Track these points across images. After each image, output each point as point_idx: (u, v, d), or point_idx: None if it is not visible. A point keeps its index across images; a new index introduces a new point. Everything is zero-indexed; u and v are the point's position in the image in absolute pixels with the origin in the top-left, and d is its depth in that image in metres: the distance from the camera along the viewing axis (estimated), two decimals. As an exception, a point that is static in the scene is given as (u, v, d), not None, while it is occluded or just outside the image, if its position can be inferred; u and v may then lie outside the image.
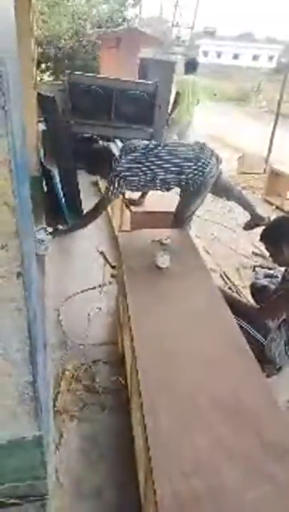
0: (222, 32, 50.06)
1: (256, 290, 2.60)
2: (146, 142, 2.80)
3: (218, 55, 42.44)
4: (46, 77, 8.80)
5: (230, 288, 3.24)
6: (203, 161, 2.73)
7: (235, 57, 42.02)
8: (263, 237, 2.11)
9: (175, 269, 2.24)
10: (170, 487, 1.11)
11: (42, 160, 3.96)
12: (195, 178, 2.76)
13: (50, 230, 2.63)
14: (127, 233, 2.82)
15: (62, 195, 3.77)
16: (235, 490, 1.12)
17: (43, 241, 2.57)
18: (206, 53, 42.61)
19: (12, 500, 1.30)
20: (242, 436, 1.29)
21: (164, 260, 2.27)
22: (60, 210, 3.82)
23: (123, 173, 2.59)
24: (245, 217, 4.56)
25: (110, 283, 3.10)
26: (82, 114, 5.66)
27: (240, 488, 1.13)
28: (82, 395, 2.07)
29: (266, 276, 2.84)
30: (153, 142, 2.82)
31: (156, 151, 2.69)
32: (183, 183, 2.77)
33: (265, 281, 2.57)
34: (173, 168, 2.68)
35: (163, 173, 2.69)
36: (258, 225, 3.13)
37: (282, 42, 37.10)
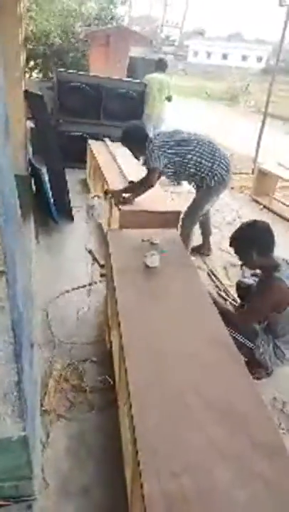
0: (211, 32, 50.31)
1: (242, 289, 2.62)
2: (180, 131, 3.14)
3: (208, 55, 42.60)
4: (35, 74, 8.71)
5: (217, 286, 3.25)
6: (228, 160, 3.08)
7: (225, 57, 42.20)
8: (232, 243, 2.16)
9: (164, 268, 2.24)
10: (158, 486, 1.11)
11: (31, 159, 3.92)
12: (222, 172, 3.04)
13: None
14: (116, 232, 2.81)
15: (50, 194, 3.73)
16: (225, 489, 1.13)
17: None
18: (196, 53, 42.75)
19: (-2, 501, 1.29)
20: (231, 435, 1.30)
21: (153, 260, 2.27)
22: (48, 209, 3.79)
23: (161, 147, 2.95)
24: (232, 216, 4.59)
25: (99, 282, 3.09)
26: (71, 112, 5.60)
27: (229, 487, 1.14)
28: (69, 395, 2.06)
29: (253, 275, 2.86)
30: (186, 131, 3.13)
31: (192, 138, 3.03)
32: (209, 173, 3.03)
33: (251, 280, 2.59)
34: (207, 154, 3.00)
35: (197, 156, 2.98)
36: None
37: (271, 43, 37.36)
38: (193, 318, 1.89)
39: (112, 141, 5.24)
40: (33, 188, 3.93)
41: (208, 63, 36.97)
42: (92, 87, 5.58)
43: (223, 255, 3.76)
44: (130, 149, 3.20)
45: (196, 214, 3.29)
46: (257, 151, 6.94)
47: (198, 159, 3.00)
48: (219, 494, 1.11)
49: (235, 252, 2.19)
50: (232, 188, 6.11)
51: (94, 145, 4.97)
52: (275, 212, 5.23)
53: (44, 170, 3.72)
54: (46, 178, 3.69)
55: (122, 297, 1.98)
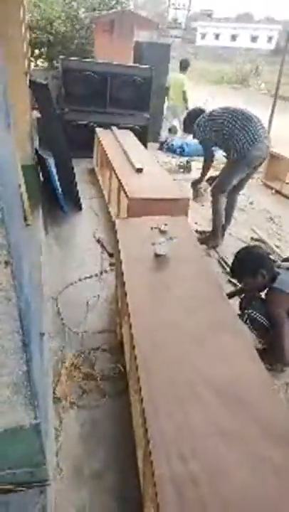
0: (219, 13, 48.99)
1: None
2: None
3: (216, 36, 41.61)
4: (40, 63, 8.64)
5: (227, 273, 3.23)
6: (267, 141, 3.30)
7: (233, 38, 41.18)
8: (236, 274, 2.32)
9: (173, 256, 2.23)
10: (168, 470, 1.13)
11: (37, 148, 3.92)
12: (245, 146, 3.19)
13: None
14: (125, 220, 2.80)
15: (58, 183, 3.73)
16: (233, 472, 1.14)
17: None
18: (203, 35, 41.79)
19: (12, 487, 1.32)
20: (241, 421, 1.30)
21: (162, 248, 2.26)
22: (56, 199, 3.79)
23: (209, 119, 3.31)
24: (243, 201, 4.52)
25: (108, 271, 3.09)
26: (77, 100, 5.56)
27: (237, 470, 1.14)
28: (81, 383, 2.09)
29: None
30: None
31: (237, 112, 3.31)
32: (236, 145, 3.21)
33: None
34: (238, 127, 3.21)
35: (229, 127, 3.23)
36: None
37: (281, 22, 36.28)
38: (202, 306, 1.88)
39: (119, 128, 5.21)
40: (41, 178, 3.93)
41: (216, 45, 36.13)
42: (98, 74, 5.52)
43: (233, 242, 3.72)
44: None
45: (222, 185, 3.44)
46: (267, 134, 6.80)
47: (229, 130, 3.23)
48: (227, 477, 1.12)
49: (240, 281, 2.33)
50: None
51: (101, 133, 4.93)
52: (287, 197, 5.15)
53: (51, 160, 3.71)
54: (53, 168, 3.69)
55: (131, 286, 1.98)
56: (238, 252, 2.32)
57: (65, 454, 1.74)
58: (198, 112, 3.51)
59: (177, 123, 7.28)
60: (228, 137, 3.24)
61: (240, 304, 2.38)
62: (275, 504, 1.07)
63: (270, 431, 1.27)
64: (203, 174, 3.62)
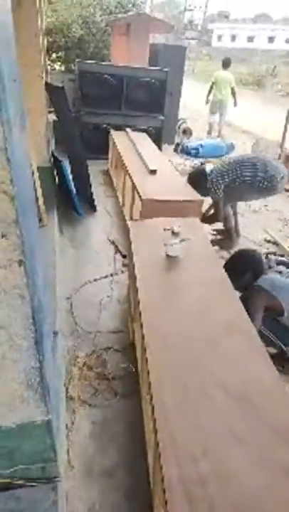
0: (237, 14, 48.71)
1: None
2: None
3: (233, 38, 41.38)
4: (57, 66, 8.75)
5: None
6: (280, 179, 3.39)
7: (250, 39, 40.85)
8: (226, 270, 2.33)
9: (185, 257, 2.23)
10: (178, 470, 1.13)
11: (53, 150, 3.98)
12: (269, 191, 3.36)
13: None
14: (138, 222, 2.81)
15: (73, 185, 3.78)
16: (242, 474, 1.13)
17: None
18: (220, 37, 41.63)
19: (23, 482, 1.35)
20: (251, 423, 1.29)
21: (174, 249, 2.26)
22: (71, 201, 3.84)
23: (219, 178, 3.35)
24: (257, 204, 4.48)
25: (122, 272, 3.11)
26: (93, 103, 5.62)
27: (247, 472, 1.14)
28: (93, 382, 2.11)
29: (279, 263, 2.80)
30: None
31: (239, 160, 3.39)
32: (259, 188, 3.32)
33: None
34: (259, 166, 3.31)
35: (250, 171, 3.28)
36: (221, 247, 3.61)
37: (299, 22, 35.80)
38: (214, 307, 1.88)
39: (134, 130, 5.23)
40: (56, 180, 3.99)
41: (232, 47, 35.90)
42: (114, 77, 5.56)
43: (246, 243, 3.69)
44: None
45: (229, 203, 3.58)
46: (284, 135, 6.73)
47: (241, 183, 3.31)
48: (237, 480, 1.11)
49: (231, 280, 2.32)
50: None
51: (116, 135, 4.97)
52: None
53: (66, 161, 3.76)
54: (68, 169, 3.74)
55: (143, 287, 1.99)
56: (234, 254, 2.43)
57: (77, 451, 1.76)
58: (200, 173, 3.54)
59: (219, 118, 8.14)
60: (242, 186, 3.33)
61: None
62: (285, 507, 1.06)
63: (281, 434, 1.26)
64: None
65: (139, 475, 1.65)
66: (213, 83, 7.89)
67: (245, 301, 2.19)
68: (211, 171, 3.44)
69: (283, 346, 2.14)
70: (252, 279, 2.26)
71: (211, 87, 7.92)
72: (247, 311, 2.13)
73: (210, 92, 7.96)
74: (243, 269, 2.29)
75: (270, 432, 1.26)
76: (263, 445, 1.22)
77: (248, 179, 3.26)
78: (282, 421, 1.31)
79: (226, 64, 7.88)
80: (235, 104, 7.99)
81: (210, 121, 8.30)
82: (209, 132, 8.31)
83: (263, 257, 3.48)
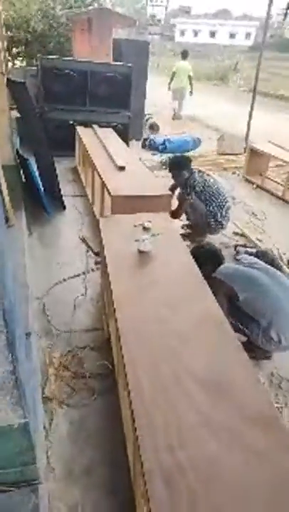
0: (198, 9, 49.15)
1: None
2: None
3: (195, 33, 41.77)
4: (18, 62, 8.52)
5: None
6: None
7: (212, 35, 41.39)
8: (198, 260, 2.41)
9: (157, 252, 2.25)
10: (157, 461, 1.15)
11: (18, 148, 3.88)
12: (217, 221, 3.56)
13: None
14: (108, 218, 2.80)
15: (40, 183, 3.71)
16: (218, 460, 1.16)
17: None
18: (182, 32, 41.92)
19: (2, 487, 1.32)
20: (225, 410, 1.33)
21: (146, 245, 2.27)
22: (39, 199, 3.77)
23: (197, 187, 3.48)
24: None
25: (94, 270, 3.09)
26: (57, 99, 5.51)
27: (223, 458, 1.17)
28: (70, 382, 2.09)
29: (246, 253, 2.88)
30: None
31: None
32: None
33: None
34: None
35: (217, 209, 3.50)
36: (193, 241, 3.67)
37: (259, 18, 36.62)
38: (187, 301, 1.91)
39: (101, 126, 5.19)
40: (23, 178, 3.90)
41: (195, 42, 36.26)
42: (77, 72, 5.49)
43: (217, 236, 3.75)
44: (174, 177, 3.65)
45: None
46: (248, 130, 6.88)
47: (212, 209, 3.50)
48: (214, 466, 1.15)
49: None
50: (224, 169, 6.08)
51: (82, 132, 4.91)
52: (268, 191, 5.23)
53: (32, 160, 3.68)
54: (35, 167, 3.66)
55: (116, 284, 1.99)
56: (191, 250, 2.49)
57: (56, 453, 1.75)
58: (182, 160, 3.67)
59: (178, 105, 9.40)
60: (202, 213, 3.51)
61: None
62: (261, 489, 1.10)
63: (254, 419, 1.30)
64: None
65: (120, 471, 1.66)
66: (174, 73, 9.10)
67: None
68: (196, 173, 3.55)
69: (246, 330, 2.20)
70: (211, 271, 2.32)
71: (172, 76, 9.12)
72: None
73: (171, 80, 9.17)
74: (201, 264, 2.30)
75: (242, 418, 1.30)
76: (235, 430, 1.26)
77: (211, 213, 3.47)
78: (255, 406, 1.35)
79: (184, 55, 9.23)
80: (191, 92, 9.20)
81: (173, 108, 9.52)
82: (173, 118, 9.36)
83: (232, 249, 3.57)
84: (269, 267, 2.43)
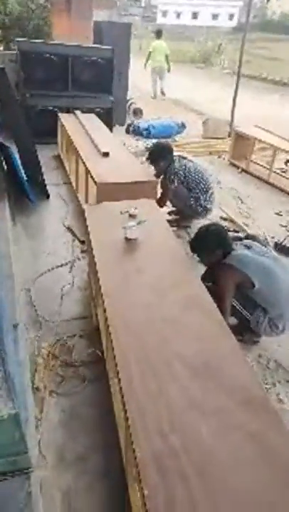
0: (179, -10, 47.97)
1: None
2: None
3: (177, 15, 40.96)
4: (-4, 46, 8.24)
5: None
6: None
7: (194, 16, 40.66)
8: (193, 248, 2.37)
9: (144, 239, 2.24)
10: (149, 447, 1.16)
11: (-2, 136, 3.78)
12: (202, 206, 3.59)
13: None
14: (94, 206, 2.78)
15: (23, 172, 3.64)
16: (210, 443, 1.18)
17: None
18: (164, 13, 41.04)
19: (-5, 477, 1.33)
20: (214, 393, 1.35)
21: (133, 232, 2.26)
22: (22, 188, 3.70)
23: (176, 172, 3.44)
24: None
25: (80, 258, 3.07)
26: (37, 84, 5.37)
27: (214, 441, 1.19)
28: (59, 370, 2.09)
29: (234, 239, 2.89)
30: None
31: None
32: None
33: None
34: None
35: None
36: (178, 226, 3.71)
37: (242, -2, 36.06)
38: (174, 286, 1.92)
39: (83, 112, 5.09)
40: (4, 167, 3.81)
41: (178, 23, 35.62)
42: (58, 56, 5.35)
43: (202, 221, 3.76)
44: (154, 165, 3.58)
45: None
46: (232, 114, 6.84)
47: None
48: (205, 448, 1.17)
49: (199, 256, 2.39)
50: (210, 153, 6.06)
51: (64, 118, 4.81)
52: (253, 175, 5.24)
53: (14, 147, 3.60)
54: (17, 155, 3.58)
55: (103, 271, 1.99)
56: (199, 230, 2.37)
57: (48, 441, 1.76)
58: (160, 149, 3.60)
59: (159, 84, 9.94)
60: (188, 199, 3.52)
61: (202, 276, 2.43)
62: (252, 468, 1.13)
63: (244, 400, 1.33)
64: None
65: (112, 456, 1.68)
66: (150, 52, 9.52)
67: (215, 277, 2.25)
68: (176, 160, 3.50)
69: (248, 315, 2.22)
70: (221, 255, 2.24)
71: (149, 55, 9.56)
72: (218, 287, 2.18)
73: (148, 59, 9.59)
74: (211, 247, 2.26)
75: (232, 400, 1.32)
76: (226, 412, 1.28)
77: (195, 199, 3.47)
78: (242, 388, 1.38)
79: (158, 34, 9.70)
80: (168, 69, 9.65)
81: (153, 87, 9.97)
82: (153, 97, 9.93)
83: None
84: (276, 255, 2.42)
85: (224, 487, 1.08)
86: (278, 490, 1.08)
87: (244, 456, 1.16)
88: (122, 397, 1.34)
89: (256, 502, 1.06)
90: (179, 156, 3.66)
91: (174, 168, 3.45)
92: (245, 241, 2.46)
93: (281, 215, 4.15)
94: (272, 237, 3.64)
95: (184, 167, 3.48)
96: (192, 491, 1.06)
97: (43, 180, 3.91)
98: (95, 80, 5.68)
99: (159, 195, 3.51)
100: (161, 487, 1.06)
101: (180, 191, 3.47)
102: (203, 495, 1.05)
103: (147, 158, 3.65)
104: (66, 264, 3.00)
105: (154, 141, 6.03)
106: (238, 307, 2.24)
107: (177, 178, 3.43)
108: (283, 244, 3.48)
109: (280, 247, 3.44)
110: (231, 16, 39.72)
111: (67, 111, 5.11)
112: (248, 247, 2.33)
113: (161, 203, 3.51)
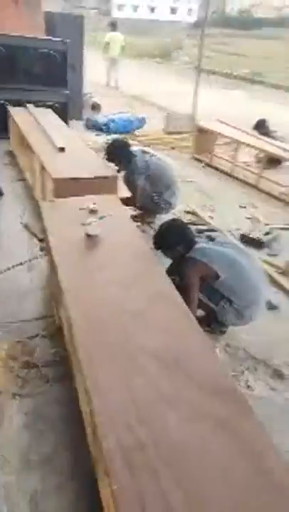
0: (135, -17, 48.68)
1: None
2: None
3: (134, 8, 41.51)
4: None
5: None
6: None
7: (152, 10, 41.37)
8: (156, 244, 2.44)
9: (106, 235, 2.27)
10: (116, 440, 1.19)
11: None
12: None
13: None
14: (51, 203, 2.78)
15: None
16: (177, 434, 1.22)
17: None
18: (120, 7, 41.45)
19: None
20: (181, 383, 1.40)
21: (94, 228, 2.28)
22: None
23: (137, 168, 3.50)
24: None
25: (38, 257, 3.06)
26: (-16, 77, 5.31)
27: (181, 431, 1.23)
28: (20, 372, 2.09)
29: (198, 232, 3.00)
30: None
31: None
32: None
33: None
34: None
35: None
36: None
37: (199, -7, 37.15)
38: (138, 281, 1.96)
39: (37, 106, 5.08)
40: None
41: (135, 18, 36.09)
42: (5, 48, 5.31)
43: (167, 215, 3.86)
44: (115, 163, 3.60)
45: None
46: (194, 108, 7.06)
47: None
48: (173, 439, 1.21)
49: (163, 252, 2.46)
50: (172, 148, 6.22)
51: (15, 112, 4.78)
52: (216, 169, 5.43)
53: None
54: None
55: (63, 270, 1.98)
56: (160, 226, 2.46)
57: (11, 445, 1.75)
58: (121, 144, 3.67)
59: (114, 75, 10.91)
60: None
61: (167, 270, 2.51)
62: (221, 457, 1.18)
63: (212, 390, 1.38)
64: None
65: (81, 455, 1.69)
66: (106, 43, 10.41)
67: (180, 271, 2.33)
68: (138, 155, 3.55)
69: (214, 306, 2.32)
70: (184, 249, 2.33)
71: (105, 46, 10.44)
72: (184, 281, 2.26)
73: (104, 49, 10.48)
74: (174, 242, 2.34)
75: (200, 389, 1.37)
76: (193, 403, 1.33)
77: (158, 194, 3.53)
78: (209, 377, 1.44)
79: (113, 26, 10.60)
80: (122, 59, 10.73)
81: (107, 75, 10.95)
82: (107, 84, 10.95)
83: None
84: (238, 244, 2.54)
85: (193, 477, 1.11)
86: (248, 476, 1.12)
87: (213, 445, 1.20)
88: (88, 394, 1.36)
89: (226, 489, 1.09)
90: (142, 150, 3.73)
91: (137, 166, 3.48)
92: (208, 233, 2.58)
93: (245, 207, 4.34)
94: (238, 229, 3.80)
95: (146, 162, 3.53)
96: (161, 483, 1.08)
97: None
98: (48, 72, 5.69)
99: (125, 195, 3.55)
100: (130, 482, 1.08)
101: (143, 186, 3.52)
102: (173, 486, 1.08)
103: (106, 158, 3.64)
104: (24, 262, 2.98)
105: (114, 136, 6.12)
106: (203, 299, 2.33)
107: (138, 174, 3.47)
108: (249, 235, 3.64)
109: (246, 239, 3.60)
110: (190, 11, 40.81)
111: (19, 104, 5.08)
112: (212, 239, 2.45)
113: (129, 202, 3.55)
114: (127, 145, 3.65)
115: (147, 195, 3.55)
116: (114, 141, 3.87)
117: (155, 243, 2.45)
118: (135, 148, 3.68)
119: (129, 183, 3.53)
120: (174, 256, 2.43)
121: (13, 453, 1.72)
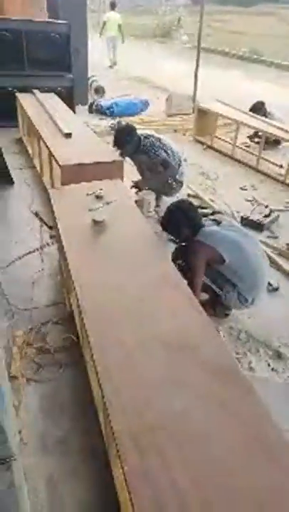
0: None
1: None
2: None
3: (135, -13, 39.35)
4: None
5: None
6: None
7: (152, -12, 39.21)
8: (163, 225, 2.35)
9: (112, 221, 2.20)
10: (126, 423, 1.18)
11: None
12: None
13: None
14: (59, 189, 2.71)
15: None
16: (185, 415, 1.21)
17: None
18: (121, -14, 39.33)
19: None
20: (187, 366, 1.37)
21: (100, 214, 2.22)
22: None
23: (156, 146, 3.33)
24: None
25: (49, 244, 2.99)
26: (-9, 64, 5.07)
27: (189, 413, 1.22)
28: (35, 358, 2.06)
29: (204, 216, 2.89)
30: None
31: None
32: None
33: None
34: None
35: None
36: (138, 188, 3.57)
37: None
38: (144, 266, 1.92)
39: (42, 92, 4.87)
40: None
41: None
42: (10, 32, 5.03)
43: (170, 199, 3.74)
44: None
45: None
46: (195, 89, 6.75)
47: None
48: (181, 421, 1.19)
49: (170, 234, 2.39)
50: (174, 130, 5.98)
51: (23, 99, 4.59)
52: (218, 151, 5.23)
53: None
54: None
55: (72, 256, 1.95)
56: (168, 208, 2.34)
57: (29, 428, 1.74)
58: (126, 130, 3.44)
59: (113, 53, 10.52)
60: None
61: (172, 255, 2.43)
62: (226, 437, 1.16)
63: (215, 371, 1.35)
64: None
65: (94, 438, 1.69)
66: (104, 22, 10.16)
67: (185, 254, 2.25)
68: (147, 137, 3.37)
69: (219, 290, 2.25)
70: (191, 232, 2.23)
71: (103, 26, 10.16)
72: (189, 264, 2.19)
73: (102, 28, 10.19)
74: (181, 224, 2.24)
75: (205, 372, 1.35)
76: (200, 385, 1.31)
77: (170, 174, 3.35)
78: (215, 360, 1.40)
79: (112, 6, 10.24)
80: (122, 40, 10.25)
81: (109, 56, 10.52)
82: (111, 66, 10.53)
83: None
84: (243, 228, 2.45)
85: (200, 458, 1.11)
86: (251, 455, 1.12)
87: (218, 426, 1.19)
88: (98, 379, 1.34)
89: (230, 468, 1.09)
90: (146, 134, 3.56)
91: (152, 148, 3.30)
92: (215, 215, 2.47)
93: (246, 190, 4.19)
94: (238, 212, 3.68)
95: (154, 144, 3.35)
96: (168, 463, 1.08)
97: (6, 165, 3.74)
98: (52, 57, 5.42)
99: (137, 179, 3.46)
100: (140, 464, 1.08)
101: (156, 167, 3.35)
102: (181, 466, 1.08)
103: (114, 144, 3.44)
104: (35, 250, 2.92)
105: (118, 119, 5.89)
106: (208, 283, 2.26)
107: (158, 157, 3.28)
108: (250, 218, 3.52)
109: (246, 222, 3.49)
110: (189, -12, 38.66)
111: (26, 91, 4.86)
112: (218, 223, 2.34)
113: (140, 185, 3.45)
114: (133, 129, 3.48)
115: (162, 176, 3.38)
116: (120, 127, 3.69)
117: (162, 225, 2.36)
118: (141, 132, 3.51)
119: (141, 165, 3.37)
120: (180, 238, 2.34)
121: (31, 437, 1.71)
